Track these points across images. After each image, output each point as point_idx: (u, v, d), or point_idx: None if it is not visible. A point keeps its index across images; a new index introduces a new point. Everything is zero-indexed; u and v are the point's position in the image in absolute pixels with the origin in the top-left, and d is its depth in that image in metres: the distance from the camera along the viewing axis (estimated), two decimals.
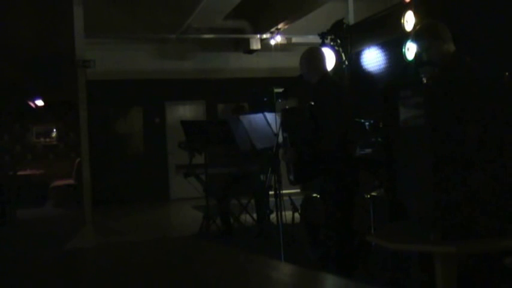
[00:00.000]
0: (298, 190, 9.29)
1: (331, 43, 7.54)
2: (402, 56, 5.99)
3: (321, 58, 4.09)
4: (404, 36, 5.98)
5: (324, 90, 3.98)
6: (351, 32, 7.48)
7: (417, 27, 3.32)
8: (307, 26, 9.96)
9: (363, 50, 7.28)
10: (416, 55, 3.28)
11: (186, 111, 12.05)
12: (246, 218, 6.57)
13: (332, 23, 7.55)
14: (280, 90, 4.59)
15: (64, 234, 7.57)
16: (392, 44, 6.47)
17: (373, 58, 7.03)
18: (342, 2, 8.95)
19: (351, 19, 8.30)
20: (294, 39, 11.07)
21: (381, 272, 4.02)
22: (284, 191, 4.97)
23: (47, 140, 13.35)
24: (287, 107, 4.41)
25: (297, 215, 5.82)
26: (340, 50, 7.45)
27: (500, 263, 2.85)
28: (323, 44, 7.44)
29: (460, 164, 2.31)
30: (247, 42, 11.34)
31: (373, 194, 4.29)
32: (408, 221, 2.54)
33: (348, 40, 7.43)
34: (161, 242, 1.98)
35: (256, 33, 11.04)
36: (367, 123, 4.35)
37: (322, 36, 7.60)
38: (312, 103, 3.96)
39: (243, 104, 7.68)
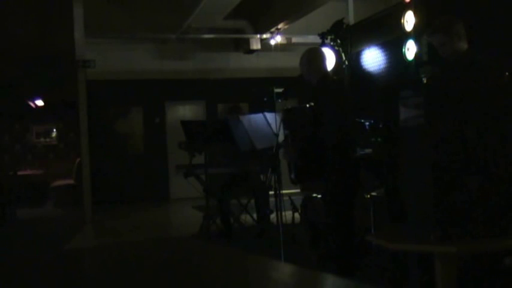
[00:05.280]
0: (298, 190, 9.29)
1: (331, 43, 7.52)
2: (402, 56, 5.98)
3: (321, 58, 4.10)
4: (404, 36, 5.98)
5: (324, 91, 3.98)
6: (351, 32, 7.47)
7: (434, 22, 3.30)
8: (307, 26, 9.96)
9: (363, 50, 7.27)
10: (417, 55, 3.28)
11: (186, 111, 12.05)
12: (246, 218, 6.57)
13: (332, 23, 7.54)
14: (280, 90, 4.58)
15: (64, 234, 7.57)
16: (393, 44, 6.46)
17: (373, 58, 7.03)
18: (342, 2, 8.94)
19: (351, 19, 8.29)
20: (294, 39, 11.07)
21: (381, 272, 4.02)
22: (284, 191, 4.97)
23: (47, 140, 13.34)
24: (288, 106, 4.40)
25: (297, 215, 5.82)
26: (340, 50, 7.43)
27: (500, 263, 2.85)
28: (323, 44, 7.42)
29: (459, 164, 2.31)
30: (247, 42, 11.34)
31: (373, 194, 4.29)
32: (408, 221, 2.54)
33: (348, 40, 7.41)
34: (161, 242, 1.98)
35: (256, 33, 11.04)
36: (367, 123, 4.34)
37: (322, 36, 7.58)
38: (313, 103, 3.97)
39: (241, 104, 7.69)
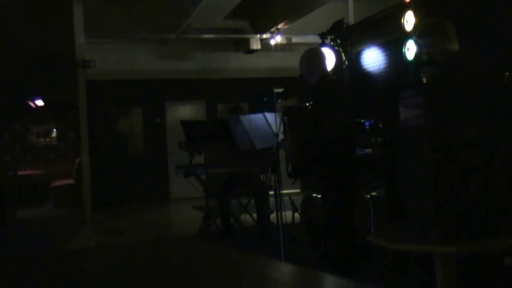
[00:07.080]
0: (298, 190, 9.30)
1: (331, 43, 7.53)
2: (402, 56, 5.98)
3: (321, 58, 4.10)
4: (404, 36, 5.98)
5: (324, 91, 3.98)
6: (351, 32, 7.48)
7: (423, 24, 3.30)
8: (307, 26, 9.96)
9: (363, 50, 7.28)
10: (417, 55, 3.27)
11: (186, 111, 12.05)
12: (246, 218, 6.57)
13: (332, 23, 7.55)
14: (280, 90, 4.59)
15: (64, 234, 7.57)
16: (393, 44, 6.47)
17: (373, 58, 7.03)
18: (342, 2, 8.95)
19: (351, 19, 8.30)
20: (294, 39, 11.07)
21: (381, 272, 4.02)
22: (284, 191, 4.97)
23: (47, 140, 13.34)
24: (288, 105, 4.40)
25: (297, 215, 5.82)
26: (340, 50, 7.44)
27: (500, 263, 2.85)
28: (323, 44, 7.43)
29: (460, 164, 2.31)
30: (247, 42, 11.34)
31: (373, 194, 4.30)
32: (408, 221, 2.54)
33: (348, 40, 7.42)
34: (161, 242, 1.98)
35: (256, 33, 11.04)
36: (367, 123, 4.35)
37: (322, 36, 7.59)
38: (313, 103, 3.97)
39: (242, 104, 7.69)
